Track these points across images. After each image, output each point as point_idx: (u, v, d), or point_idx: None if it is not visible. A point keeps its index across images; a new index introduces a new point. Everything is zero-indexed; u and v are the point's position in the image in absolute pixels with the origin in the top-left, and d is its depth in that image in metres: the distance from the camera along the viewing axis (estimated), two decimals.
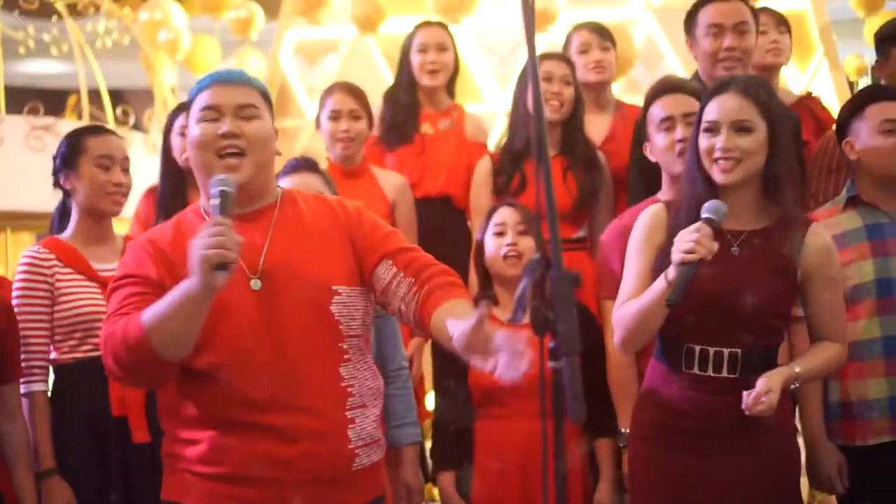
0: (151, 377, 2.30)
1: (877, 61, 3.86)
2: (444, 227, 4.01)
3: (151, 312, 2.16)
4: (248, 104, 2.34)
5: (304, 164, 3.07)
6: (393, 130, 4.18)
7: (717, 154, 2.54)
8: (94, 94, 7.67)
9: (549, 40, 6.71)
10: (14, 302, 2.99)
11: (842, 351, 2.67)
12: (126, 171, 3.15)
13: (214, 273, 2.09)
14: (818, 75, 6.72)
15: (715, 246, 2.40)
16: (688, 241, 2.39)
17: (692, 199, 2.57)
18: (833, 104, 6.19)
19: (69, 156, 3.10)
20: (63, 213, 3.21)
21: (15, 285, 3.04)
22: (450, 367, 3.09)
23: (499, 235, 3.16)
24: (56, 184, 3.17)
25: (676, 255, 2.41)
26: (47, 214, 6.45)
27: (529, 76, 1.80)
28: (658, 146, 3.08)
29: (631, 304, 2.57)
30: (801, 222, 2.62)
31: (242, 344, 2.27)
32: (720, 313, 2.53)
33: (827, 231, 2.97)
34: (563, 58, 3.91)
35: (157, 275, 2.27)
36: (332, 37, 6.96)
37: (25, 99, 7.40)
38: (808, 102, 4.21)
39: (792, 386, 2.59)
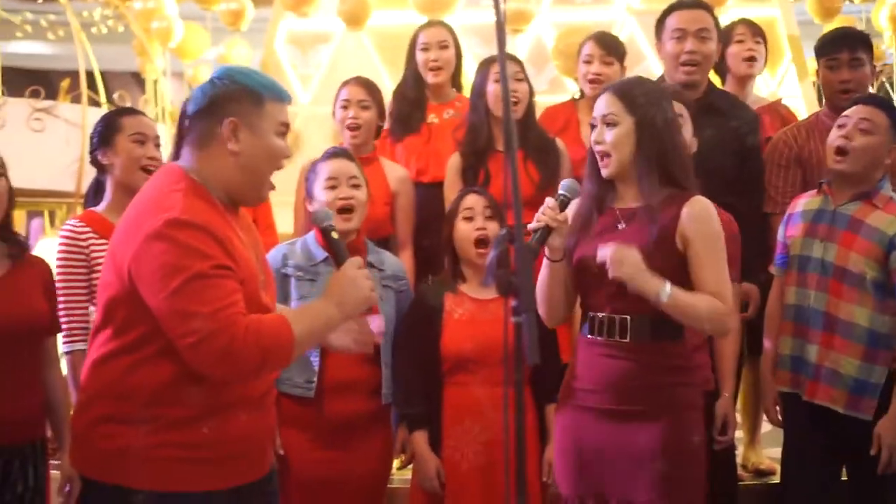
0: (252, 375, 2.35)
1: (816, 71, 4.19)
2: None
3: (300, 331, 2.31)
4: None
5: (344, 152, 3.51)
6: (400, 123, 4.46)
7: (595, 147, 2.85)
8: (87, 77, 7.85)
9: (536, 36, 6.96)
10: (56, 271, 3.26)
11: (719, 305, 2.74)
12: (158, 146, 3.39)
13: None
14: (787, 79, 7.02)
15: (562, 216, 2.75)
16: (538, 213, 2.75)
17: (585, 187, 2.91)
18: (800, 106, 6.51)
19: (106, 134, 3.35)
20: (97, 189, 3.45)
21: (56, 255, 3.30)
22: (422, 335, 3.35)
23: (468, 220, 3.39)
24: (93, 161, 3.41)
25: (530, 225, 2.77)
26: (44, 192, 6.66)
27: (501, 79, 2.08)
28: None
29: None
30: (679, 196, 2.81)
31: None
32: (608, 282, 2.76)
33: (797, 209, 3.41)
34: (511, 57, 4.14)
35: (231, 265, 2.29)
36: (323, 29, 7.18)
37: (8, 80, 7.60)
38: (777, 106, 4.76)
39: (663, 298, 2.67)
